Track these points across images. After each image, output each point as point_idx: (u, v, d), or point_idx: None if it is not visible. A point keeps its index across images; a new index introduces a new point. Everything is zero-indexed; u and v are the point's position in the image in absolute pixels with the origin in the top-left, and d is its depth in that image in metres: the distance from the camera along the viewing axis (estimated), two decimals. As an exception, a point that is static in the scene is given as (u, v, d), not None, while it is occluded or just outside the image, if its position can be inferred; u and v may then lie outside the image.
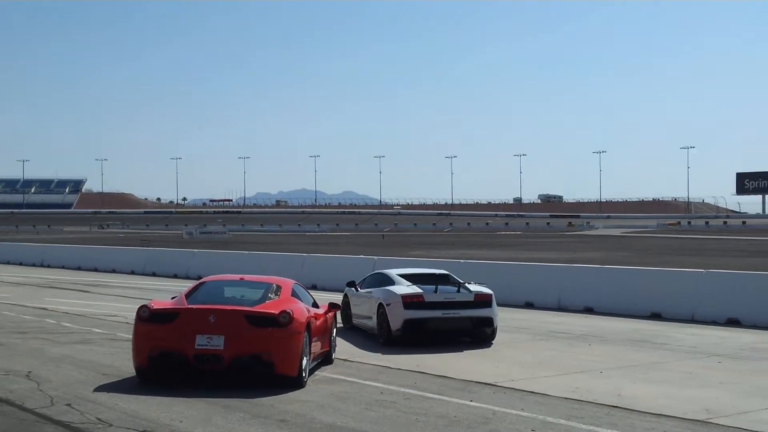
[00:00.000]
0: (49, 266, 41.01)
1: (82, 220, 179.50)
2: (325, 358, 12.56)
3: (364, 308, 15.90)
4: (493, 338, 14.95)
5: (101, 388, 10.39)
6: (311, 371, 11.41)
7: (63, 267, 39.85)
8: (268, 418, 8.96)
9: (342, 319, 16.59)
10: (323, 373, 11.80)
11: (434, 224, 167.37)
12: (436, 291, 14.73)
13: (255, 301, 11.18)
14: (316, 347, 11.71)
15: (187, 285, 12.39)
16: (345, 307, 16.62)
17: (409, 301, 14.48)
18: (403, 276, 15.80)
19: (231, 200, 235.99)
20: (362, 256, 30.59)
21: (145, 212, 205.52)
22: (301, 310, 11.21)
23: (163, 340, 10.61)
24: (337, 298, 16.78)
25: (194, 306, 10.90)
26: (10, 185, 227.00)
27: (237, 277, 12.69)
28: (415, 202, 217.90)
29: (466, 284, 15.23)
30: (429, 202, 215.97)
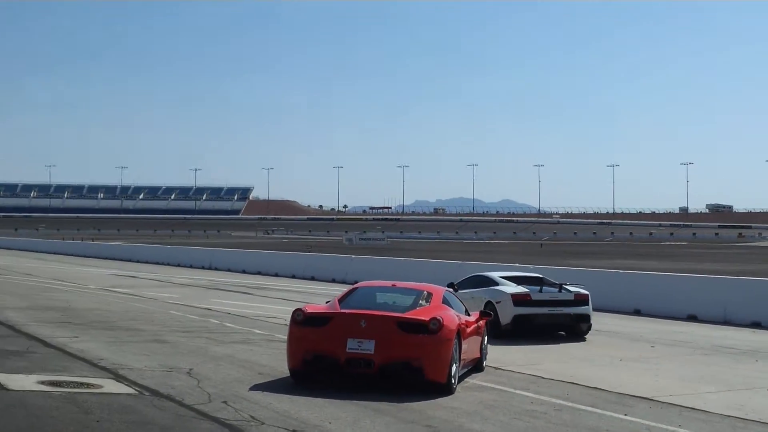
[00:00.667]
0: (216, 269, 42.78)
1: (249, 226, 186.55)
2: (476, 366, 12.46)
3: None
4: (587, 333, 16.69)
5: (256, 387, 10.70)
6: (461, 378, 11.34)
7: (229, 270, 41.48)
8: (416, 423, 8.96)
9: None
10: (473, 380, 11.71)
11: (594, 233, 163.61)
12: (541, 290, 16.58)
13: (406, 308, 11.23)
14: (467, 354, 11.63)
15: (345, 289, 12.64)
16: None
17: (517, 299, 16.30)
18: (503, 278, 17.67)
19: (390, 208, 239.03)
20: (517, 264, 30.22)
21: (308, 219, 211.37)
22: (452, 317, 11.16)
23: (316, 343, 10.82)
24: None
25: (346, 311, 11.05)
26: (184, 192, 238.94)
27: (389, 283, 12.79)
28: (575, 211, 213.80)
29: (565, 285, 17.00)
30: (589, 211, 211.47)
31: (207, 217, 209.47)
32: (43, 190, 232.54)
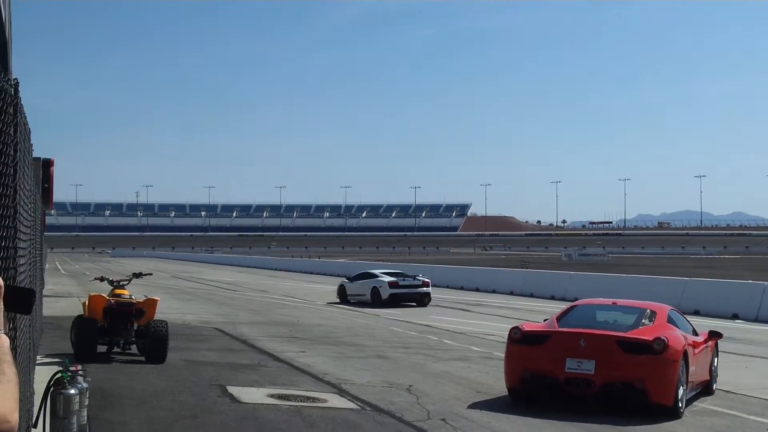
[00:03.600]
0: (435, 285, 43.19)
1: (467, 242, 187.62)
2: (705, 389, 11.83)
3: (360, 290, 29.59)
4: (428, 304, 28.50)
5: (474, 405, 10.72)
6: (689, 402, 10.81)
7: (447, 286, 41.83)
8: (640, 448, 8.62)
9: (339, 297, 30.56)
10: (702, 404, 11.12)
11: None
12: (403, 279, 28.96)
13: (628, 327, 10.86)
14: (695, 376, 11.07)
15: (563, 307, 12.40)
16: (341, 291, 30.66)
17: (391, 285, 28.54)
18: (381, 272, 30.40)
19: (611, 222, 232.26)
20: (750, 282, 28.41)
21: (526, 235, 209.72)
22: (678, 337, 10.67)
23: (534, 362, 10.69)
24: (722, 325, 15.77)
25: (565, 329, 10.85)
26: (404, 210, 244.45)
27: (609, 301, 12.43)
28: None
29: (417, 276, 29.68)
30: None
31: (426, 234, 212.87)
32: (275, 210, 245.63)
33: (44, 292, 28.84)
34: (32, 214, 9.43)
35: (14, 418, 1.84)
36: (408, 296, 28.53)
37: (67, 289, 34.13)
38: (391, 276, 29.31)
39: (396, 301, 28.00)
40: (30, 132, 7.03)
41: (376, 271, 30.58)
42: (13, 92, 4.57)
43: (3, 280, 4.42)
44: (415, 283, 28.80)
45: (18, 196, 4.75)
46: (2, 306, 2.03)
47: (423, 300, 28.49)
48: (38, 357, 12.31)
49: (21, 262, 5.33)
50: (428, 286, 29.00)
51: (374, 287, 28.75)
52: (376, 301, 28.31)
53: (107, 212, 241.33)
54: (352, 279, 30.82)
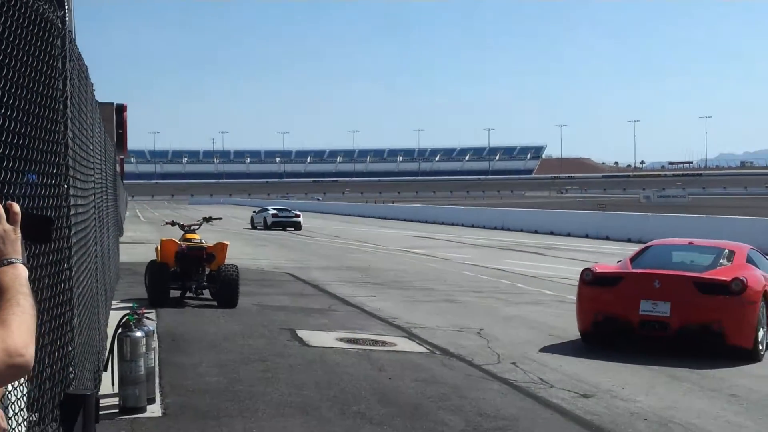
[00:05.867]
0: (508, 229, 42.95)
1: (542, 186, 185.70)
2: (787, 332, 11.41)
3: (259, 220, 45.13)
4: (301, 229, 42.92)
5: (546, 349, 10.54)
6: (768, 345, 10.44)
7: (521, 230, 41.46)
8: (717, 391, 8.36)
9: (250, 225, 46.02)
10: (784, 347, 10.72)
11: None
12: (282, 212, 44.85)
13: (704, 267, 10.50)
14: (775, 319, 10.67)
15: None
16: (251, 220, 46.47)
17: (273, 215, 44.31)
18: (272, 207, 48.15)
19: (691, 162, 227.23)
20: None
21: (603, 176, 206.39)
22: (757, 277, 10.27)
23: (607, 304, 10.45)
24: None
25: (638, 270, 10.55)
26: (478, 153, 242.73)
27: (686, 241, 12.03)
28: None
29: (293, 210, 45.99)
30: None
31: (500, 178, 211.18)
32: (348, 155, 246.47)
33: (122, 239, 29.48)
34: (100, 157, 9.49)
35: (29, 352, 1.75)
36: (285, 222, 43.76)
37: (145, 236, 34.82)
38: (276, 210, 45.70)
39: (277, 226, 43.40)
40: (87, 69, 6.97)
41: (269, 207, 47.87)
42: (60, 24, 4.47)
43: (57, 218, 4.37)
44: (291, 215, 44.50)
45: (69, 132, 4.68)
46: (20, 234, 1.93)
47: (297, 225, 43.30)
48: (114, 302, 12.53)
49: (77, 203, 5.28)
50: (299, 217, 44.36)
51: (264, 217, 44.72)
52: (266, 226, 43.47)
53: (184, 159, 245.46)
54: (257, 212, 47.00)
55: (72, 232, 4.84)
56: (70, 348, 4.58)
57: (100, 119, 10.56)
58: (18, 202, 1.98)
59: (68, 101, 4.73)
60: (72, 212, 4.91)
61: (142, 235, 35.86)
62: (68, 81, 4.74)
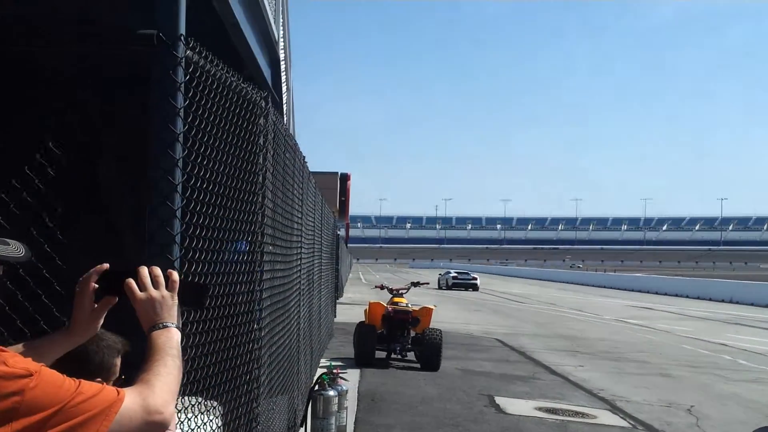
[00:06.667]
0: (738, 303, 40.50)
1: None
2: None
3: (442, 281, 52.54)
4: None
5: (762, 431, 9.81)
6: None
7: (752, 304, 38.97)
8: None
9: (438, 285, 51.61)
10: None
11: None
12: (461, 274, 51.81)
13: None
14: None
15: None
16: (438, 281, 52.69)
17: (453, 277, 51.21)
18: (454, 271, 55.13)
19: None
20: None
21: None
22: None
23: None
24: None
25: None
26: (709, 223, 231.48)
27: None
28: None
29: (470, 273, 52.95)
30: None
31: (733, 249, 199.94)
32: (570, 223, 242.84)
33: (341, 300, 30.55)
34: (312, 223, 9.99)
35: (168, 410, 1.85)
36: (462, 284, 49.60)
37: (363, 297, 35.87)
38: (456, 273, 52.30)
39: (457, 286, 49.37)
40: (296, 143, 7.43)
41: (451, 271, 54.36)
42: (263, 104, 4.85)
43: (249, 283, 4.70)
44: (468, 277, 50.40)
45: (266, 202, 5.02)
46: (177, 301, 2.10)
47: (475, 287, 48.99)
48: (322, 360, 13.00)
49: (275, 267, 5.61)
50: (476, 279, 50.39)
51: (447, 279, 51.09)
52: (448, 286, 47.56)
53: (408, 225, 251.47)
54: (442, 275, 53.00)
55: (264, 295, 5.13)
56: (255, 404, 4.82)
57: (316, 188, 11.13)
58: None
59: (267, 173, 5.08)
60: (267, 276, 5.22)
61: (361, 297, 36.97)
62: (268, 155, 5.10)
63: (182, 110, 2.99)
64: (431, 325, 14.05)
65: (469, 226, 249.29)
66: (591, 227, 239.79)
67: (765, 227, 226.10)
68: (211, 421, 3.82)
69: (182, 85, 2.98)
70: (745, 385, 13.61)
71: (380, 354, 14.15)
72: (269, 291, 5.46)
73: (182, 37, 3.01)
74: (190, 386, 3.31)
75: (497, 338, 19.97)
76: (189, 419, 3.36)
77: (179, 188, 2.96)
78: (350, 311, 25.24)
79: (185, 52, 3.03)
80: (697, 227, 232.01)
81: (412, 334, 14.09)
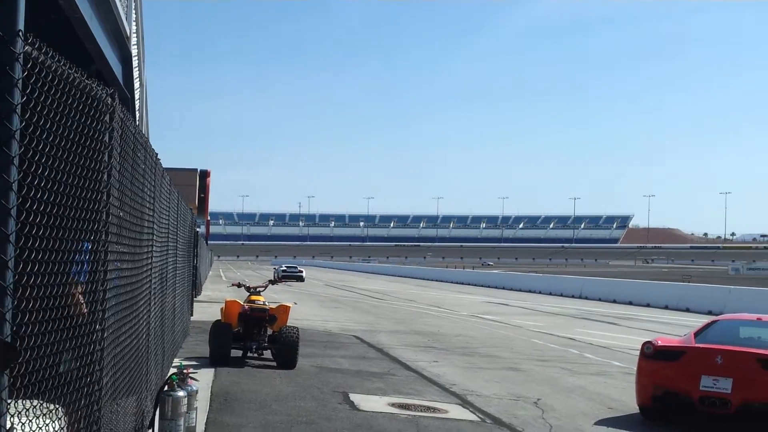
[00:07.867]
0: (586, 298, 42.27)
1: (627, 255, 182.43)
2: None
3: (278, 273, 61.18)
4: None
5: (602, 422, 10.30)
6: (839, 427, 9.99)
7: (599, 299, 40.76)
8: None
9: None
10: None
11: None
12: (289, 268, 64.88)
13: (771, 344, 10.23)
14: None
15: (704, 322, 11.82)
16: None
17: (283, 270, 63.47)
18: (284, 264, 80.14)
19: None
20: None
21: (691, 247, 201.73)
22: (830, 356, 9.95)
23: (667, 378, 10.20)
24: None
25: (701, 345, 10.28)
26: (562, 221, 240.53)
27: (754, 316, 11.68)
28: None
29: (298, 267, 67.80)
30: None
31: (584, 246, 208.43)
32: (431, 220, 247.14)
33: (199, 298, 30.03)
34: (166, 221, 9.78)
35: None
36: (290, 275, 59.42)
37: (222, 295, 35.40)
38: (286, 266, 64.46)
39: (286, 278, 57.08)
40: (146, 140, 7.27)
41: (283, 265, 68.03)
42: (110, 101, 4.73)
43: (91, 283, 4.56)
44: (296, 270, 62.08)
45: (111, 200, 4.89)
46: None
47: (300, 278, 59.98)
48: (176, 360, 12.76)
49: (114, 267, 5.47)
50: (302, 272, 62.37)
51: (278, 272, 59.27)
52: (277, 278, 54.99)
53: (271, 222, 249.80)
54: (276, 268, 62.34)
55: (109, 295, 5.00)
56: (96, 407, 4.70)
57: (171, 185, 10.91)
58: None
59: (113, 171, 4.95)
60: (112, 276, 5.10)
61: (220, 294, 36.47)
62: (114, 152, 4.97)
63: (19, 107, 2.95)
64: (289, 323, 14.02)
65: (333, 223, 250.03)
66: (451, 225, 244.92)
67: (614, 226, 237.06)
68: (51, 423, 3.70)
69: (20, 81, 2.96)
70: (590, 377, 14.23)
71: (236, 353, 14.02)
72: (114, 291, 5.33)
73: (20, 33, 2.95)
74: (25, 389, 3.22)
75: (355, 335, 20.13)
76: (27, 422, 3.25)
77: (15, 186, 2.92)
78: (208, 309, 24.89)
79: (23, 47, 2.99)
80: (551, 225, 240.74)
81: (269, 332, 14.02)
